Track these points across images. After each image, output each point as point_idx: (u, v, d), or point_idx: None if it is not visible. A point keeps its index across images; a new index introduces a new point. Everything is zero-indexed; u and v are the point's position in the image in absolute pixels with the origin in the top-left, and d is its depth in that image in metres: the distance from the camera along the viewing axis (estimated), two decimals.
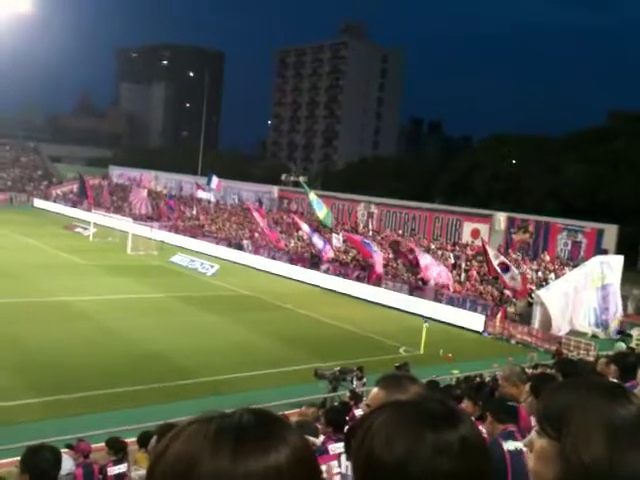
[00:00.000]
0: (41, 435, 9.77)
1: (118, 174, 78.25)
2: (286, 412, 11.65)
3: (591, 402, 1.20)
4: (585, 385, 1.26)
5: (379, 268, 34.57)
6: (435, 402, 1.14)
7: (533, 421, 4.21)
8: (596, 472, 1.12)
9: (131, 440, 9.38)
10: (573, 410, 1.19)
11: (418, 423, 1.08)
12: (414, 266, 33.55)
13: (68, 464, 7.00)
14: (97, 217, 50.93)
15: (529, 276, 31.80)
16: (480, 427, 4.31)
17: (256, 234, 44.96)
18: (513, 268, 30.42)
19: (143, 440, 8.42)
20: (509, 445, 3.55)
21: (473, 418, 5.28)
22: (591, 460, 1.13)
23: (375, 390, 2.22)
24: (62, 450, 7.20)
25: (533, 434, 1.28)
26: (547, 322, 28.56)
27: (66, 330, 22.21)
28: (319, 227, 42.16)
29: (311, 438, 5.95)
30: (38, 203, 71.64)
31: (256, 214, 43.18)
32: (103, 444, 9.06)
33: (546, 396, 1.28)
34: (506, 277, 30.03)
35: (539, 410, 1.27)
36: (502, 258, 30.70)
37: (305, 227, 39.20)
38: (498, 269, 30.03)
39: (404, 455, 1.04)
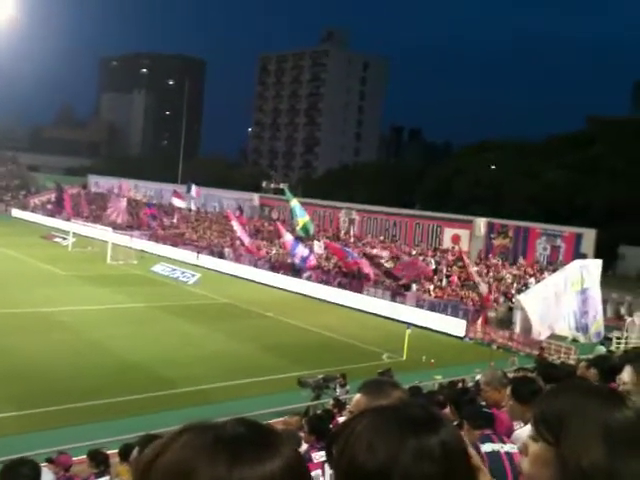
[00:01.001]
0: (20, 449, 9.62)
1: (97, 183, 77.68)
2: (270, 421, 11.60)
3: (589, 407, 1.20)
4: (582, 390, 1.27)
5: (368, 269, 34.71)
6: (416, 407, 1.14)
7: (515, 425, 4.22)
8: (595, 477, 1.12)
9: (112, 452, 9.27)
10: (571, 415, 1.19)
11: (399, 428, 1.07)
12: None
13: (48, 478, 6.90)
14: (76, 226, 50.47)
15: (496, 286, 32.21)
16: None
17: (237, 242, 44.82)
18: (480, 281, 30.54)
19: (125, 452, 8.32)
20: (486, 447, 3.59)
21: (455, 423, 5.30)
22: (590, 465, 1.13)
23: (357, 396, 2.22)
24: (42, 464, 7.10)
25: (527, 438, 1.28)
26: (528, 326, 28.73)
27: (45, 341, 21.94)
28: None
29: None
30: (16, 213, 70.84)
31: (235, 222, 42.87)
32: (84, 457, 8.95)
33: (542, 401, 1.27)
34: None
35: (535, 414, 1.26)
36: (471, 271, 30.99)
37: (288, 237, 38.98)
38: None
39: (386, 461, 1.04)
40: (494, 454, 3.51)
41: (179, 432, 1.00)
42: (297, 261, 38.28)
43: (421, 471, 1.04)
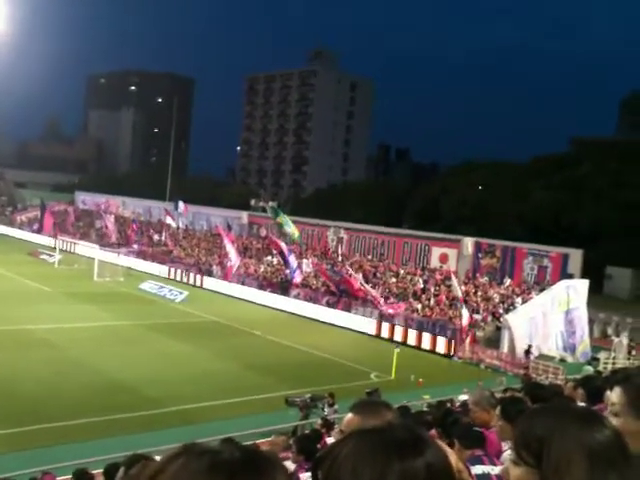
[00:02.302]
0: (3, 469, 9.48)
1: (84, 200, 77.35)
2: (256, 441, 11.51)
3: (568, 428, 1.21)
4: (560, 411, 1.28)
5: (357, 284, 34.72)
6: (401, 429, 1.14)
7: (504, 445, 4.19)
8: None
9: (97, 472, 9.14)
10: (551, 437, 1.20)
11: (384, 451, 1.07)
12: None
13: None
14: (62, 243, 50.14)
15: (489, 307, 32.27)
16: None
17: (225, 260, 44.69)
18: (462, 307, 30.48)
19: (110, 472, 8.21)
20: (476, 469, 3.53)
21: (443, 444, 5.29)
22: None
23: (349, 416, 2.22)
24: None
25: (508, 463, 1.29)
26: (514, 346, 28.83)
27: (30, 359, 21.70)
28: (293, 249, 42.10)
29: None
30: (2, 229, 70.32)
31: (227, 239, 42.66)
32: (68, 477, 8.82)
33: (522, 424, 1.28)
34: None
35: (516, 437, 1.27)
36: (458, 292, 30.98)
37: (284, 245, 38.83)
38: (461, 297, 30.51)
39: None
40: (484, 477, 3.46)
41: (176, 454, 1.01)
42: (288, 271, 38.28)
43: None
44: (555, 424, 1.23)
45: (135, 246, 49.52)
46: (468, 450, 3.93)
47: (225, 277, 41.01)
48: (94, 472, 8.88)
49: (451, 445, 4.09)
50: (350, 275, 35.71)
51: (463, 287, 33.13)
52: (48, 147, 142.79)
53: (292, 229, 41.21)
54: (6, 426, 15.53)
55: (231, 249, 41.01)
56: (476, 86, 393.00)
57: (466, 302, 31.17)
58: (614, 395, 1.80)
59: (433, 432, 6.49)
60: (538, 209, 52.93)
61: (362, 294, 34.24)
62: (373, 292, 33.70)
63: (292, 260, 37.97)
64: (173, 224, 56.07)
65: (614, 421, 1.64)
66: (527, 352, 28.18)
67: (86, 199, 77.14)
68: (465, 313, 29.60)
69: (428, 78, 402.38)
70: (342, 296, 35.38)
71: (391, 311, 32.42)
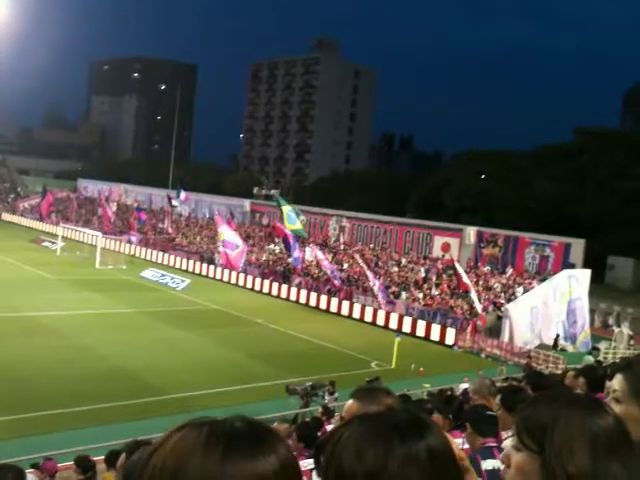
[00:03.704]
0: (5, 455, 9.54)
1: (86, 187, 77.36)
2: None
3: (572, 415, 1.22)
4: (563, 398, 1.29)
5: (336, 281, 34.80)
6: (402, 413, 1.15)
7: (504, 434, 4.13)
8: None
9: (99, 458, 9.19)
10: (553, 423, 1.21)
11: (386, 434, 1.08)
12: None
13: None
14: (65, 231, 50.21)
15: (491, 296, 32.26)
16: (459, 438, 4.27)
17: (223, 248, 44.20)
18: (472, 294, 30.39)
19: (111, 459, 8.26)
20: (487, 464, 3.45)
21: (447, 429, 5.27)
22: (576, 471, 1.17)
23: (350, 402, 2.23)
24: (27, 470, 7.03)
25: (509, 449, 1.29)
26: (514, 335, 28.91)
27: (32, 346, 21.79)
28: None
29: None
30: (5, 216, 70.46)
31: (226, 227, 41.69)
32: (70, 463, 8.87)
33: (524, 410, 1.29)
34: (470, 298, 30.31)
35: (518, 424, 1.28)
36: (466, 280, 30.76)
37: (288, 231, 38.56)
38: (469, 284, 30.31)
39: (373, 467, 1.04)
40: (494, 473, 3.31)
41: (178, 427, 1.02)
42: (291, 259, 38.10)
43: (409, 476, 1.04)
44: (558, 411, 1.23)
45: (134, 237, 49.12)
46: (481, 437, 3.79)
47: (231, 266, 39.73)
48: (95, 459, 8.93)
49: (459, 429, 4.01)
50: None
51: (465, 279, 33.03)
52: (51, 134, 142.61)
53: (294, 224, 40.71)
54: (8, 412, 15.62)
55: (235, 237, 40.41)
56: (481, 76, 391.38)
57: (467, 292, 31.15)
58: (615, 382, 1.80)
59: (435, 417, 6.48)
60: (541, 199, 52.82)
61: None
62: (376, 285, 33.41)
63: (296, 247, 37.69)
64: (178, 208, 55.85)
65: (616, 408, 1.64)
66: (555, 342, 28.69)
67: (88, 186, 77.15)
68: (477, 300, 29.57)
69: (432, 67, 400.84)
70: (343, 285, 35.42)
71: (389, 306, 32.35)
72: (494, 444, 3.74)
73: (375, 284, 32.40)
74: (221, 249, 34.32)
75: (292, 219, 41.12)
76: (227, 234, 35.09)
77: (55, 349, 21.75)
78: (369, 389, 2.38)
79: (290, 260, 38.60)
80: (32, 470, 8.29)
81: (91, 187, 76.13)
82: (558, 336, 29.64)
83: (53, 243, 49.32)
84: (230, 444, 0.96)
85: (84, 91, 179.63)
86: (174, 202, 54.72)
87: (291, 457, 1.01)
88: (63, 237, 48.89)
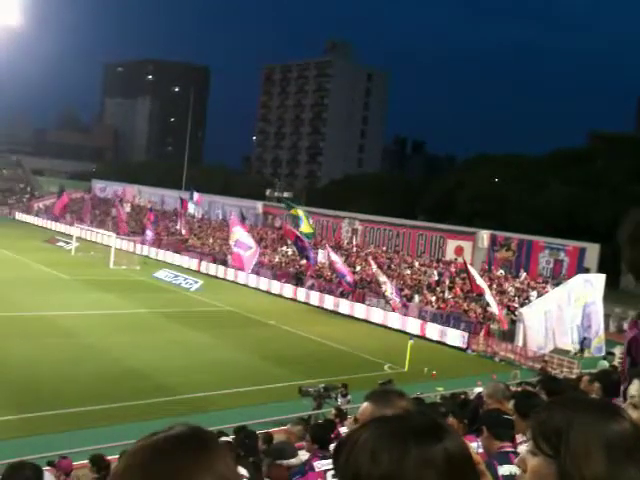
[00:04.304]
0: (22, 453, 9.62)
1: (101, 188, 77.83)
2: (270, 430, 11.59)
3: (587, 419, 1.22)
4: (579, 403, 1.29)
5: (350, 277, 34.56)
6: (419, 416, 1.16)
7: (518, 438, 4.11)
8: None
9: (113, 458, 9.27)
10: (569, 428, 1.21)
11: (403, 437, 1.09)
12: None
13: None
14: (79, 231, 50.55)
15: (504, 300, 32.02)
16: (474, 442, 4.26)
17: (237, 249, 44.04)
18: (487, 297, 30.00)
19: None
20: (504, 470, 3.41)
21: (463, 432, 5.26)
22: (592, 475, 1.17)
23: (365, 404, 2.25)
24: (44, 468, 7.10)
25: (525, 453, 1.30)
26: (529, 340, 28.73)
27: (47, 346, 21.95)
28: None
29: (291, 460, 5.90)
30: (20, 216, 71.04)
31: (240, 227, 41.14)
32: (85, 462, 8.94)
33: (540, 414, 1.29)
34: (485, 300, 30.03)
35: (534, 428, 1.28)
36: (480, 283, 30.33)
37: (299, 233, 38.45)
38: (483, 287, 30.03)
39: (389, 469, 1.06)
40: (511, 479, 3.29)
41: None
42: (304, 261, 37.95)
43: (425, 479, 1.06)
44: (573, 415, 1.23)
45: (149, 232, 49.25)
46: (498, 441, 3.76)
47: (241, 266, 39.40)
48: (110, 458, 9.01)
49: (476, 433, 4.00)
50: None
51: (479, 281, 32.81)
52: (65, 135, 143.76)
53: (305, 226, 40.54)
54: (24, 411, 15.77)
55: (248, 238, 40.11)
56: (494, 79, 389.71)
57: (480, 295, 30.97)
58: (633, 387, 1.81)
59: (450, 421, 6.48)
60: (554, 203, 52.49)
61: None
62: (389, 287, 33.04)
63: (310, 248, 37.47)
64: (191, 210, 56.06)
65: (633, 414, 1.65)
66: (582, 345, 28.62)
67: (103, 187, 77.62)
68: (492, 302, 29.24)
69: (445, 70, 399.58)
70: (356, 288, 35.38)
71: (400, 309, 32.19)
72: (511, 449, 3.71)
73: (389, 287, 32.19)
74: (234, 249, 34.24)
75: (302, 222, 41.04)
76: (240, 234, 35.01)
77: (69, 349, 21.90)
78: (384, 392, 2.40)
79: (303, 262, 38.54)
80: (48, 468, 8.37)
81: (105, 188, 76.61)
82: (585, 339, 29.45)
83: (67, 243, 49.66)
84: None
85: (98, 93, 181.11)
86: (190, 208, 54.75)
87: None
88: (77, 237, 49.20)
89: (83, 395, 17.17)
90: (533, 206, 53.77)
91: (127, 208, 56.76)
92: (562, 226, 48.25)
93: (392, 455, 1.06)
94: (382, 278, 32.21)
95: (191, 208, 55.42)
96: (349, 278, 34.60)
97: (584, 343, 30.91)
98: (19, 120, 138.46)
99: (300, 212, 41.01)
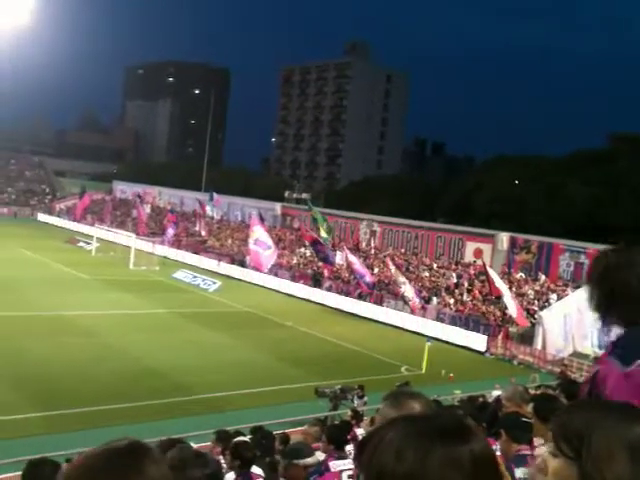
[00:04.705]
0: (41, 450, 9.71)
1: (122, 189, 78.51)
2: (287, 430, 11.59)
3: (609, 422, 1.21)
4: (601, 405, 1.28)
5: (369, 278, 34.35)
6: (446, 416, 1.15)
7: (536, 441, 4.07)
8: None
9: None
10: (591, 430, 1.20)
11: (429, 436, 1.08)
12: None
13: None
14: (100, 232, 51.03)
15: (524, 303, 31.72)
16: (493, 445, 4.23)
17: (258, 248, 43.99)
18: (505, 299, 29.60)
19: None
20: (520, 472, 3.43)
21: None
22: (614, 478, 1.15)
23: (383, 407, 2.24)
24: (62, 465, 7.15)
25: (546, 455, 1.29)
26: (548, 343, 28.47)
27: (66, 345, 22.18)
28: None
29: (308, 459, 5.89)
30: (42, 217, 71.88)
31: (260, 227, 40.77)
32: None
33: (561, 417, 1.28)
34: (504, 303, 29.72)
35: (555, 430, 1.27)
36: (499, 285, 29.92)
37: (318, 236, 38.37)
38: (502, 290, 29.72)
39: (414, 468, 1.05)
40: None
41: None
42: (321, 262, 37.90)
43: None
44: (595, 417, 1.22)
45: (171, 231, 49.34)
46: (516, 444, 3.78)
47: (259, 266, 39.28)
48: None
49: (495, 436, 3.99)
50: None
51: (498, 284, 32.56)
52: (86, 136, 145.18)
53: (324, 230, 40.45)
54: (44, 409, 15.96)
55: (268, 238, 40.01)
56: (514, 80, 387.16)
57: (499, 298, 30.74)
58: None
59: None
60: (574, 205, 51.99)
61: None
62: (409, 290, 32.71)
63: (326, 249, 37.35)
64: (209, 212, 56.42)
65: None
66: (601, 349, 28.17)
67: (123, 188, 78.29)
68: (511, 305, 28.84)
69: (464, 71, 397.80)
70: (374, 289, 35.28)
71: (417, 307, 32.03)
72: (528, 452, 3.70)
73: (408, 288, 31.96)
74: (252, 247, 34.27)
75: (321, 223, 41.02)
76: (260, 233, 35.02)
77: (89, 348, 22.10)
78: (395, 393, 2.39)
79: (320, 264, 38.47)
80: (67, 465, 8.43)
81: (126, 189, 77.26)
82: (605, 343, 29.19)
83: (88, 244, 50.15)
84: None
85: (119, 95, 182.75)
86: (208, 209, 55.08)
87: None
88: (98, 238, 49.67)
89: (101, 394, 17.32)
90: (552, 207, 53.31)
91: (147, 209, 57.14)
92: (582, 227, 47.77)
93: (417, 454, 1.05)
94: (401, 278, 32.07)
95: (209, 210, 55.77)
96: (368, 279, 34.41)
97: (605, 347, 30.55)
98: (40, 122, 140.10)
99: (318, 215, 41.02)
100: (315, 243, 37.35)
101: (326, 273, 38.10)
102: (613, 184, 51.79)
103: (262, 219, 50.59)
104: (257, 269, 38.32)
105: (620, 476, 1.15)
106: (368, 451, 1.11)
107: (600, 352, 30.22)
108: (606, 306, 2.17)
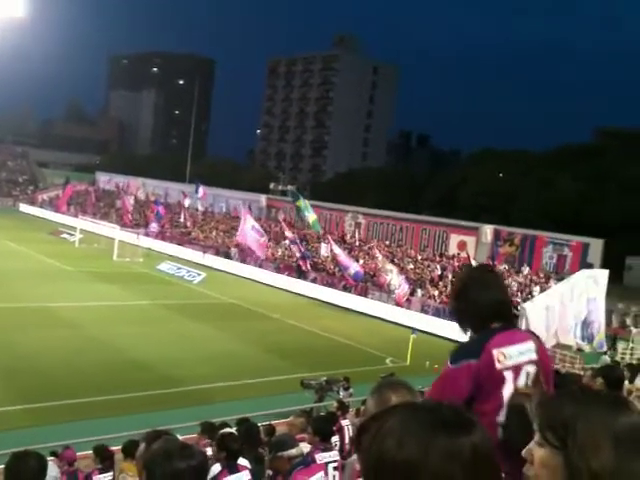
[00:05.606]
0: (25, 442, 9.62)
1: (105, 180, 77.87)
2: (273, 422, 11.62)
3: (595, 411, 1.22)
4: (586, 395, 1.29)
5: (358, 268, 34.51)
6: (449, 408, 1.15)
7: None
8: (604, 478, 1.16)
9: (116, 448, 9.30)
10: (578, 420, 1.21)
11: (431, 426, 1.08)
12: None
13: (53, 472, 6.94)
14: (83, 223, 50.63)
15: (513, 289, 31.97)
16: None
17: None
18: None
19: (129, 448, 8.35)
20: None
21: None
22: (599, 467, 1.16)
23: (369, 399, 2.26)
24: (47, 458, 7.13)
25: (532, 444, 1.30)
26: None
27: (51, 337, 22.02)
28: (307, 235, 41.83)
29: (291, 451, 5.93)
30: (24, 208, 71.17)
31: (249, 217, 40.65)
32: (88, 452, 8.98)
33: (547, 406, 1.29)
34: None
35: (541, 420, 1.28)
36: None
37: (290, 234, 38.50)
38: None
39: (415, 458, 1.05)
40: None
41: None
42: (297, 256, 37.97)
43: (449, 471, 1.05)
44: (581, 407, 1.23)
45: (154, 225, 49.25)
46: None
47: (256, 252, 39.14)
48: (113, 448, 9.04)
49: None
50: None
51: None
52: (70, 127, 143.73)
53: (310, 215, 40.64)
54: (28, 401, 15.84)
55: (260, 228, 39.90)
56: (500, 74, 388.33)
57: None
58: (639, 381, 1.80)
59: None
60: (561, 199, 52.37)
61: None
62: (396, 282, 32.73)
63: (304, 250, 37.73)
64: (190, 203, 55.81)
65: (639, 406, 1.64)
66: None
67: (107, 179, 77.66)
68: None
69: (451, 65, 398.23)
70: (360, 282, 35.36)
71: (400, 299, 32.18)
72: None
73: (395, 276, 31.96)
74: (250, 232, 34.33)
75: (309, 210, 40.93)
76: (254, 222, 35.17)
77: (73, 340, 21.96)
78: (379, 385, 2.42)
79: (297, 257, 38.33)
80: (52, 458, 8.41)
81: (110, 180, 76.63)
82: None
83: (71, 235, 49.75)
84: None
85: (103, 85, 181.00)
86: (186, 201, 54.49)
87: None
88: (81, 229, 49.28)
89: (87, 386, 17.23)
90: (538, 201, 53.68)
91: (131, 200, 56.67)
92: (568, 221, 48.17)
93: (420, 443, 1.06)
94: (389, 266, 32.06)
95: (191, 201, 55.23)
96: (353, 270, 34.42)
97: (587, 339, 30.89)
98: (25, 112, 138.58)
99: (304, 204, 40.91)
100: (296, 240, 37.48)
101: (303, 267, 37.87)
102: (600, 179, 52.24)
103: (251, 211, 50.51)
104: (252, 254, 38.46)
105: (606, 465, 1.16)
106: (368, 437, 1.12)
107: (583, 344, 30.60)
108: (459, 318, 2.81)
